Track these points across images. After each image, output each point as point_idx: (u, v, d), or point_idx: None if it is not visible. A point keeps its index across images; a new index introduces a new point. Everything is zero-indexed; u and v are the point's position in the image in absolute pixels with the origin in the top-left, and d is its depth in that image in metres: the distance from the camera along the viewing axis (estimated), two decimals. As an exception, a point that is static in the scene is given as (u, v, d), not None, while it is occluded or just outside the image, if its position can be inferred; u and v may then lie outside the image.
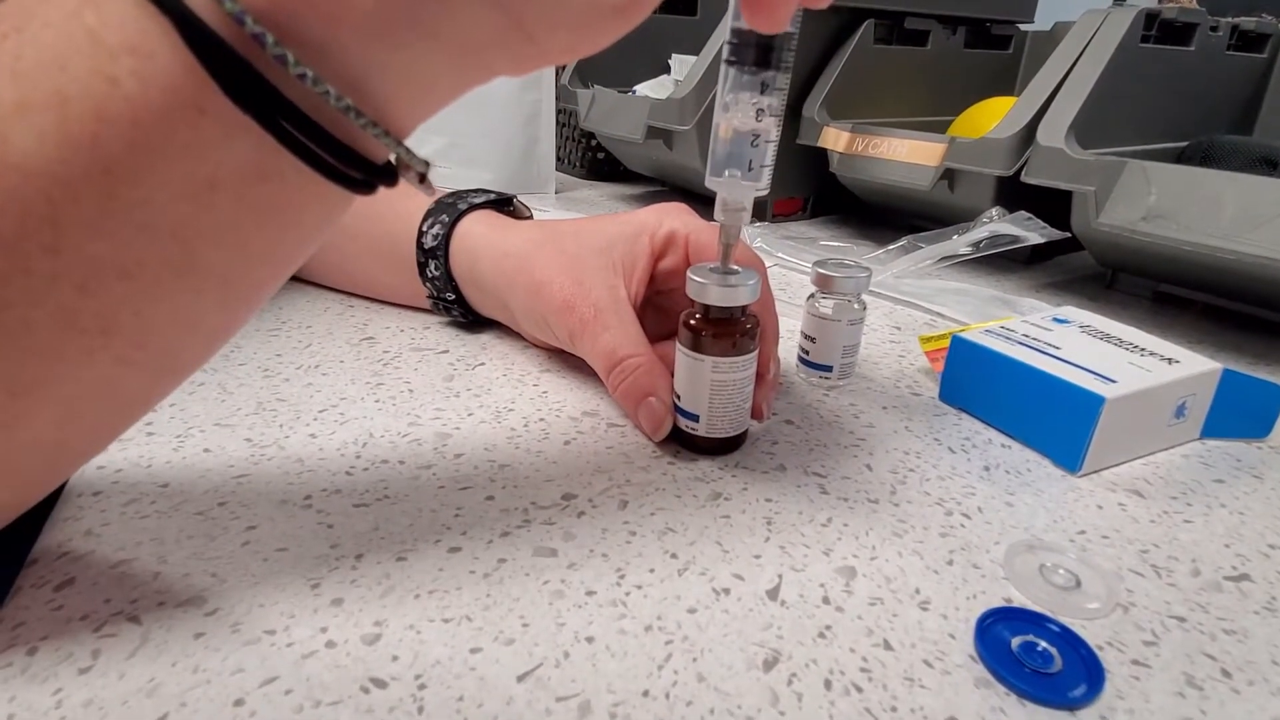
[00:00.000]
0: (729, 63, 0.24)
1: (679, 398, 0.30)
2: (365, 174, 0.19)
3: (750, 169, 0.25)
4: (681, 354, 0.29)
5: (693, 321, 0.29)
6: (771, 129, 0.25)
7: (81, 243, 0.16)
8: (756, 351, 0.29)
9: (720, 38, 0.62)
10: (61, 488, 0.26)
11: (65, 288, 0.16)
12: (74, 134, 0.15)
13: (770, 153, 0.25)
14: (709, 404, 0.29)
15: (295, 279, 0.47)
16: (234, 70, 0.16)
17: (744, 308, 0.29)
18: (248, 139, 0.17)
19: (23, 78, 0.15)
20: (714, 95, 0.25)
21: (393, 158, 0.19)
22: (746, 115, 0.24)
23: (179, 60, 0.15)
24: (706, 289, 0.28)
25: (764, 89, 0.24)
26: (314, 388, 0.34)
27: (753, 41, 0.23)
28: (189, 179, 0.16)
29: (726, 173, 0.25)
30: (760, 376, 0.31)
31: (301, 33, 0.16)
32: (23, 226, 0.16)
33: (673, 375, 0.30)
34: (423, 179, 0.20)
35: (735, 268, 0.28)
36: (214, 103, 0.16)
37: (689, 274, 0.28)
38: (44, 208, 0.16)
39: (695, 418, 0.29)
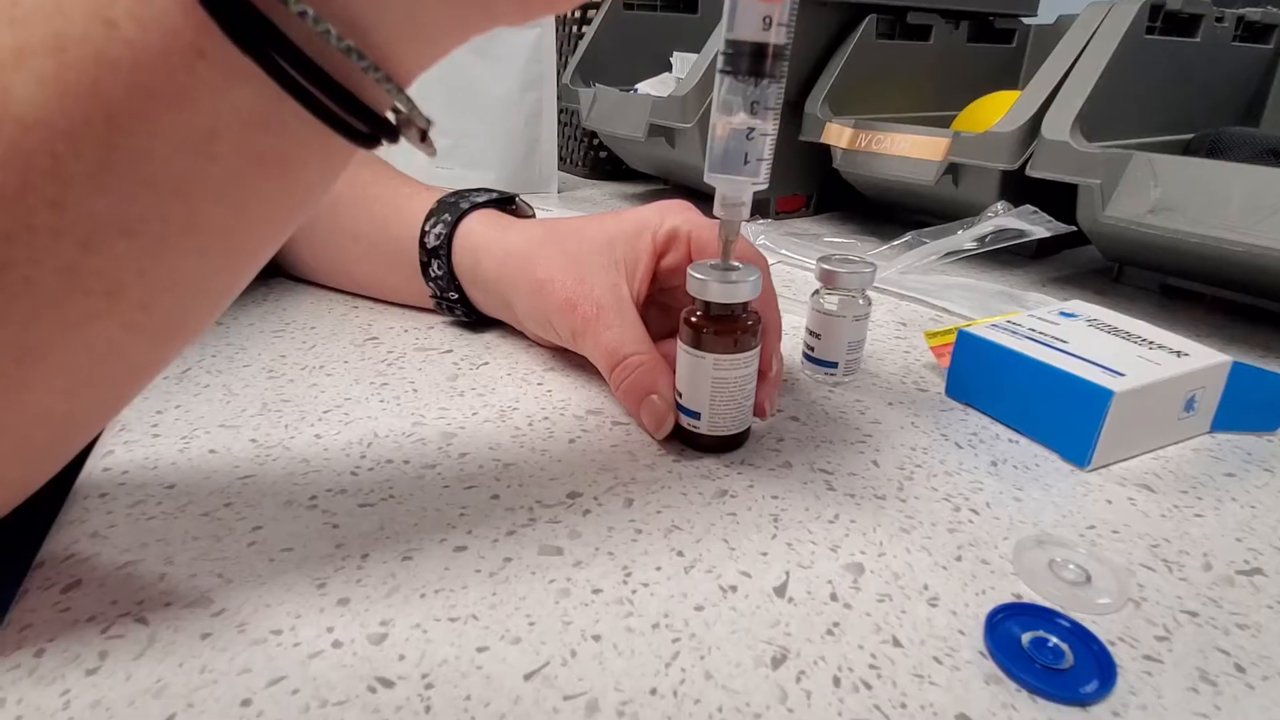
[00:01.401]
0: (723, 72, 0.24)
1: (681, 395, 0.30)
2: (368, 125, 0.18)
3: (747, 163, 0.25)
4: (683, 351, 0.29)
5: (693, 318, 0.28)
6: (768, 123, 0.25)
7: (84, 197, 0.16)
8: (758, 348, 0.29)
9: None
10: (68, 490, 0.26)
11: (69, 245, 0.16)
12: (74, 81, 0.15)
13: (767, 147, 0.25)
14: (710, 401, 0.29)
15: (299, 280, 0.48)
16: (233, 7, 0.15)
17: (745, 304, 0.28)
18: (248, 85, 0.16)
19: (21, 25, 0.15)
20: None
21: (393, 118, 0.19)
22: (741, 118, 0.24)
23: (177, 0, 0.15)
24: (707, 285, 0.28)
25: (757, 82, 0.24)
26: (319, 388, 0.34)
27: (747, 51, 0.23)
28: (190, 128, 0.16)
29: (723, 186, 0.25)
30: (763, 374, 0.31)
31: None
32: (25, 180, 0.15)
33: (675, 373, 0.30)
34: (424, 136, 0.19)
35: (736, 264, 0.28)
36: (214, 45, 0.16)
37: (689, 270, 0.28)
38: (46, 160, 0.15)
39: (697, 415, 0.29)
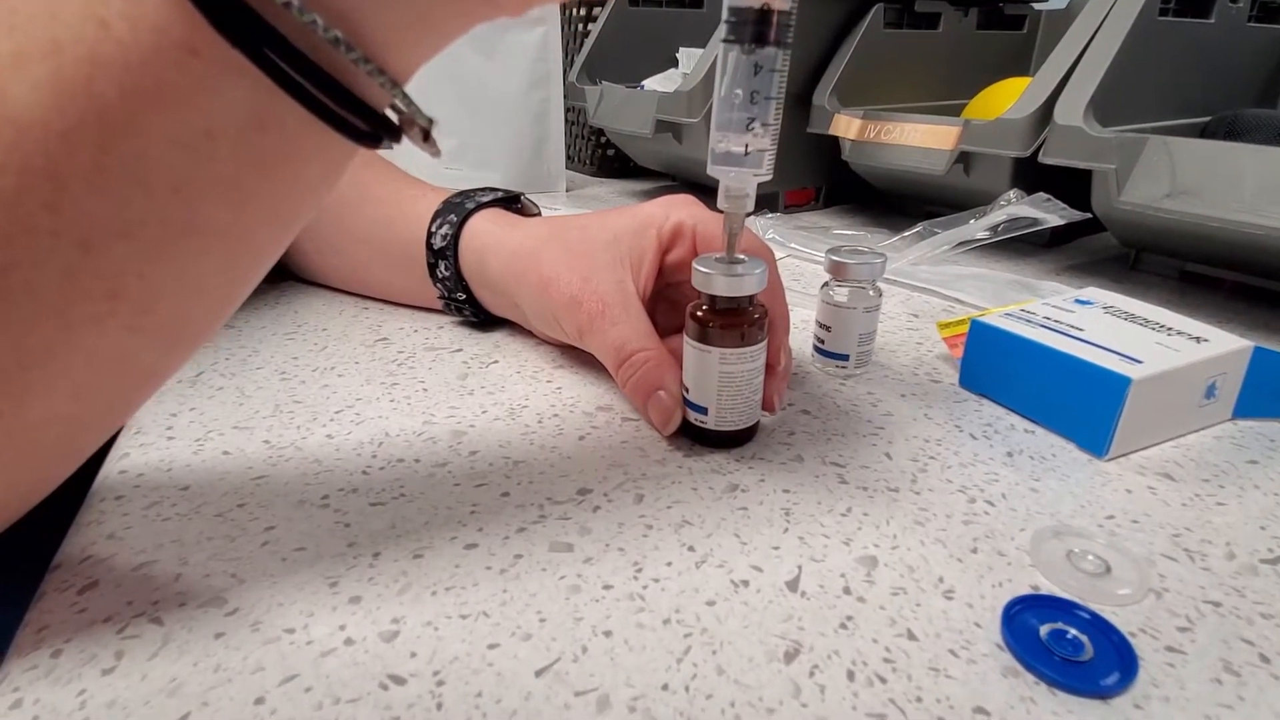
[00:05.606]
0: (727, 42, 0.24)
1: (688, 390, 0.30)
2: (367, 123, 0.18)
3: (749, 155, 0.25)
4: (689, 346, 0.29)
5: (699, 313, 0.28)
6: (769, 113, 0.24)
7: (80, 198, 0.16)
8: (765, 342, 0.29)
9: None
10: (85, 493, 0.27)
11: (68, 247, 0.16)
12: (68, 83, 0.15)
13: (770, 138, 0.25)
14: (717, 396, 0.29)
15: (309, 283, 0.48)
16: (221, 2, 0.15)
17: (751, 297, 0.28)
18: (243, 83, 0.16)
19: (18, 30, 0.15)
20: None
21: (395, 117, 0.19)
22: (744, 100, 0.24)
23: None
24: (712, 279, 0.27)
25: (757, 70, 0.23)
26: (330, 389, 0.35)
27: (750, 19, 0.23)
28: (185, 127, 0.16)
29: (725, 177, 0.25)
30: (771, 367, 0.30)
31: None
32: (22, 182, 0.16)
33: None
34: (426, 136, 0.19)
35: (741, 257, 0.28)
36: (205, 41, 0.16)
37: (694, 264, 0.28)
38: (42, 161, 0.15)
39: (704, 410, 0.29)
